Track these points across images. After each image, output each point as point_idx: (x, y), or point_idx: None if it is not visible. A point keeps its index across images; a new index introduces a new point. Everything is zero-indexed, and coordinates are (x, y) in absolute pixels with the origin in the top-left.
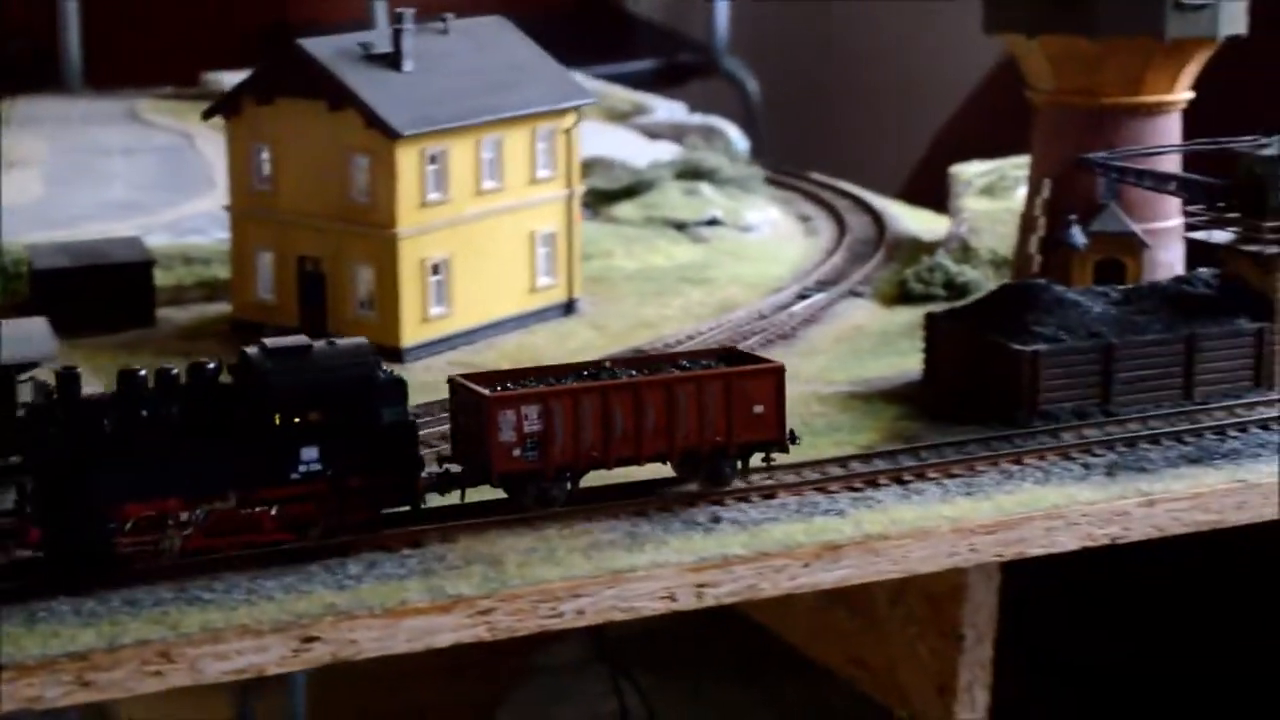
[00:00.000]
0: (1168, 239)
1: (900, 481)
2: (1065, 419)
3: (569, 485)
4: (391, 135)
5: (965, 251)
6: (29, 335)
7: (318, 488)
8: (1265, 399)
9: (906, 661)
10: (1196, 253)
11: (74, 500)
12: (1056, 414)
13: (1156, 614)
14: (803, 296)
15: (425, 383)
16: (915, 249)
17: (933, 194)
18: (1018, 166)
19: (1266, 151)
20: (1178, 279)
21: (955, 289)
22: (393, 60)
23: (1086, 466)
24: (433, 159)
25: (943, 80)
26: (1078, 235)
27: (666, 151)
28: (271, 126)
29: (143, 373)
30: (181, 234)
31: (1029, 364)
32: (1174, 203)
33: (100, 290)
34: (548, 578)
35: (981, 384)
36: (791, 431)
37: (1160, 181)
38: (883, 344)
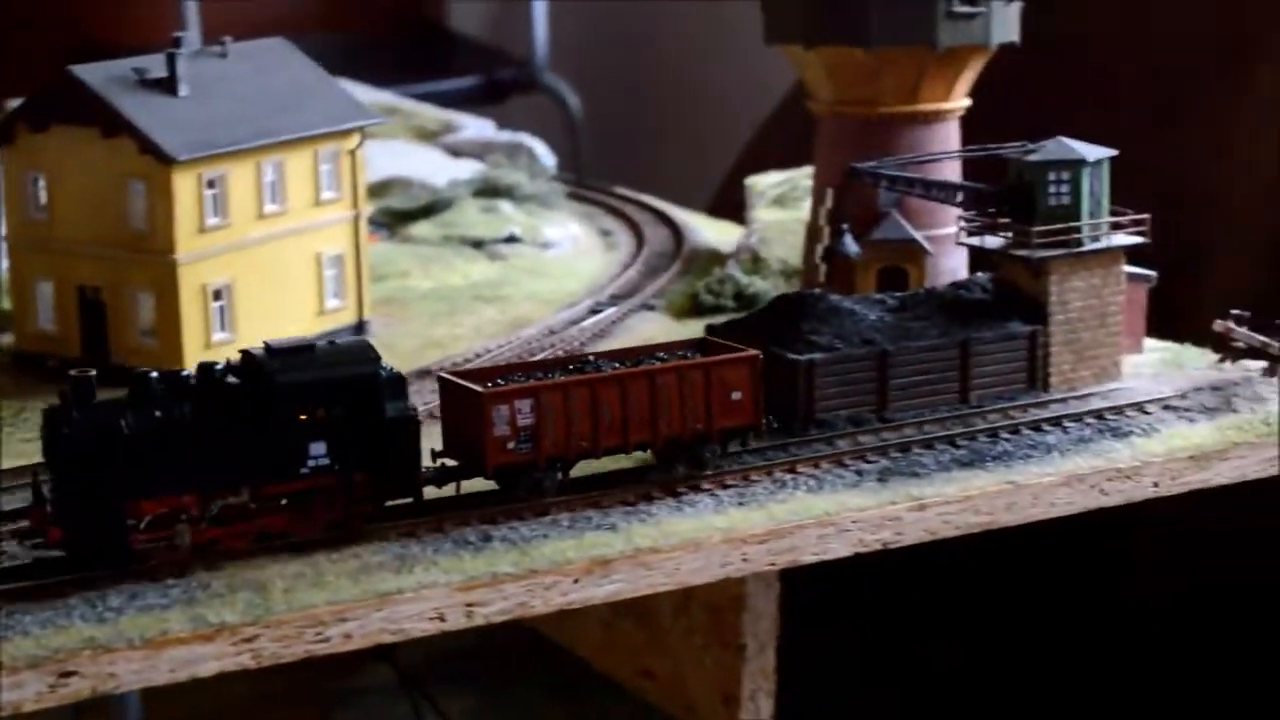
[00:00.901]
0: (950, 245)
1: (674, 494)
2: (841, 427)
3: (560, 475)
4: (166, 161)
5: (756, 262)
6: None
7: (325, 482)
8: (1038, 400)
9: (693, 673)
10: (981, 258)
11: (93, 499)
12: (833, 422)
13: (941, 615)
14: (595, 311)
15: None
16: (711, 261)
17: (739, 205)
18: (809, 176)
19: (1033, 157)
20: (954, 284)
21: (745, 300)
22: (168, 85)
23: (859, 473)
24: (211, 183)
25: (761, 92)
26: (850, 244)
27: (468, 169)
28: (46, 154)
29: (154, 374)
30: None
31: (803, 373)
32: (956, 210)
33: None
34: (314, 602)
35: None
36: (769, 417)
37: (928, 188)
38: None
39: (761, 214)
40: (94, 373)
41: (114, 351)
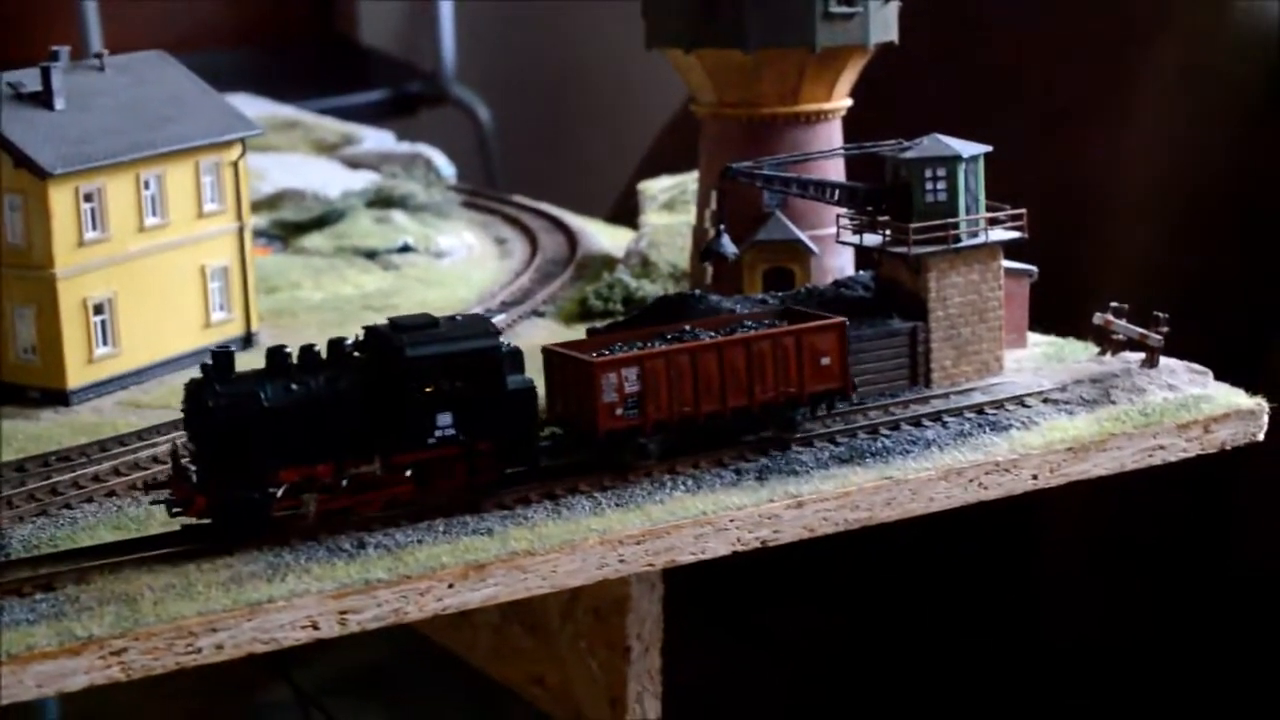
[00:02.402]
0: (835, 245)
1: (552, 498)
2: None
3: (662, 440)
4: (41, 175)
5: (645, 266)
6: None
7: (450, 451)
8: (919, 396)
9: (580, 677)
10: (866, 256)
11: (238, 468)
12: None
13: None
14: None
15: (92, 424)
16: (603, 266)
17: (636, 211)
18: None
19: (910, 154)
20: (836, 283)
21: (634, 304)
22: (43, 98)
23: (739, 473)
24: (88, 197)
25: (667, 99)
26: (728, 245)
27: (364, 180)
28: None
29: (287, 349)
30: None
31: None
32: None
33: None
34: (184, 613)
35: None
36: (853, 381)
37: (805, 187)
38: None
39: (651, 218)
40: (234, 347)
41: None
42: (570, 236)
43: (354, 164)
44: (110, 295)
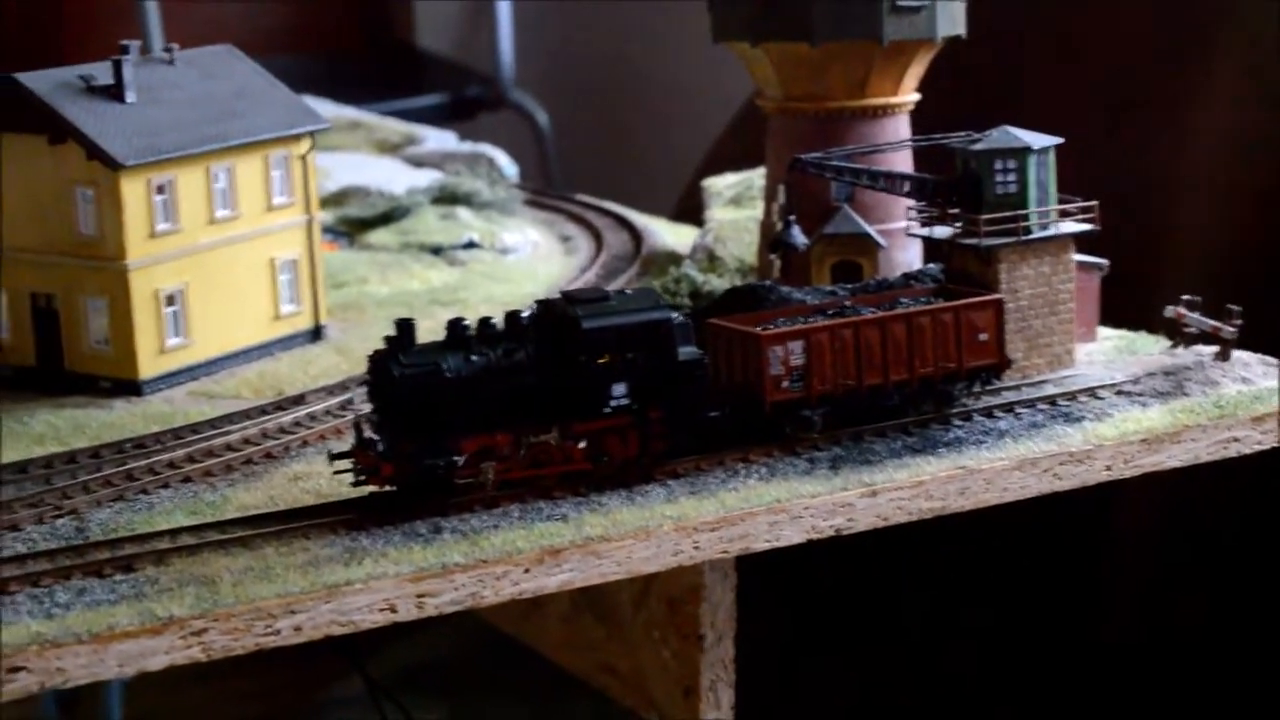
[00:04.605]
0: (903, 239)
1: (626, 485)
2: None
3: (825, 412)
4: (114, 166)
5: (712, 261)
6: None
7: (624, 420)
8: (990, 388)
9: (652, 666)
10: (935, 250)
11: (424, 436)
12: None
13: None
14: None
15: (165, 413)
16: (669, 261)
17: (701, 209)
18: (764, 176)
19: (979, 146)
20: (905, 275)
21: (701, 298)
22: (114, 92)
23: (812, 461)
24: (160, 189)
25: (729, 97)
26: (797, 235)
27: (426, 179)
28: None
29: (466, 321)
30: None
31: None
32: (908, 203)
33: None
34: (263, 595)
35: None
36: (1009, 358)
37: (874, 179)
38: None
39: (717, 214)
40: (414, 319)
41: (68, 359)
42: (635, 234)
43: (417, 163)
44: (181, 286)
